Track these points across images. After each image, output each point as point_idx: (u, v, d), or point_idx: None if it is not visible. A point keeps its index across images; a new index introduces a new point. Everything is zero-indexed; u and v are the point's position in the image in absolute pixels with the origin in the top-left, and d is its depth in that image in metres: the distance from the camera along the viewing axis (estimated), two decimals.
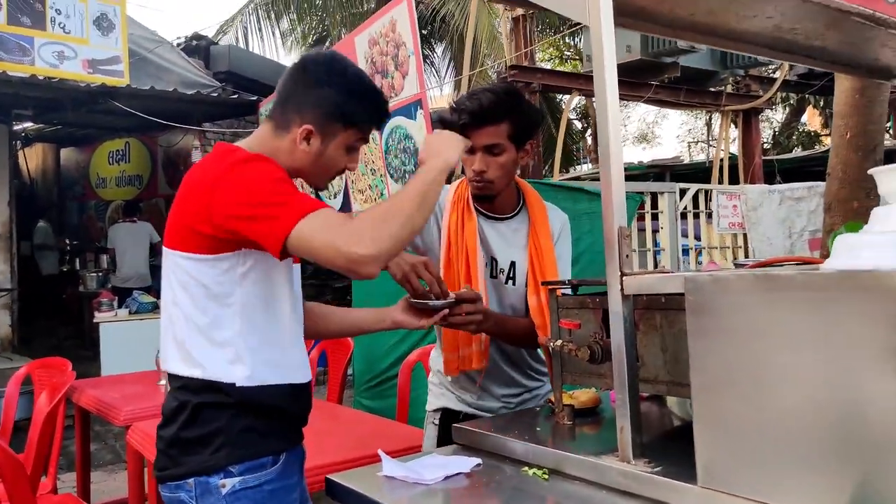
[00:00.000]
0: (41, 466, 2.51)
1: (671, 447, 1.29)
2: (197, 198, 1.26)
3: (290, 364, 1.37)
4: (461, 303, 1.54)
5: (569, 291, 1.49)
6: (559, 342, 1.39)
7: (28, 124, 8.81)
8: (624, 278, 1.13)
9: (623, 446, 1.15)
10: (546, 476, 1.24)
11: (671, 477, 1.06)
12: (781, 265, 1.34)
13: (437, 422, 1.85)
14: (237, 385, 1.29)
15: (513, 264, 1.79)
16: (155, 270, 7.79)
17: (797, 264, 1.31)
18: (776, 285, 0.91)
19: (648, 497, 1.08)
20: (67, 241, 9.57)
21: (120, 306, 6.29)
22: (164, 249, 1.35)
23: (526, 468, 1.28)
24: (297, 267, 1.44)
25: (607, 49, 1.15)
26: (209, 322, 1.29)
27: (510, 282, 1.79)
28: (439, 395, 1.89)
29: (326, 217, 1.18)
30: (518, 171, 1.86)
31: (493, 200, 1.78)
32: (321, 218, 1.17)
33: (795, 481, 0.90)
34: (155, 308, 6.34)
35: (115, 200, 9.32)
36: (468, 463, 1.31)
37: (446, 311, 1.52)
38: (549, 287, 1.49)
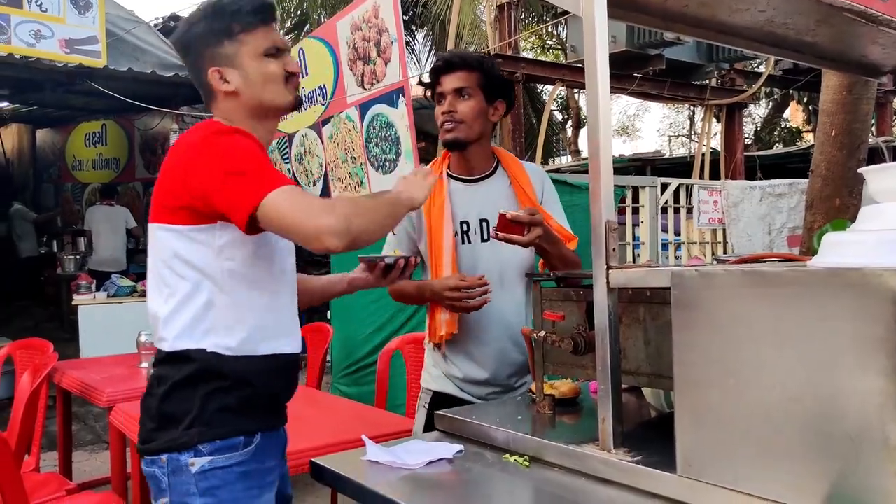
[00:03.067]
0: (24, 445, 2.52)
1: (649, 437, 1.31)
2: (176, 171, 1.28)
3: (268, 335, 1.34)
4: (407, 258, 1.55)
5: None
6: (542, 333, 1.40)
7: (4, 104, 8.62)
8: (610, 272, 1.14)
9: (604, 436, 1.16)
10: (527, 463, 1.25)
11: (651, 466, 1.08)
12: (762, 262, 1.36)
13: (427, 405, 1.88)
14: (207, 350, 1.28)
15: (483, 222, 1.84)
16: (131, 255, 7.70)
17: (779, 261, 1.33)
18: (764, 281, 0.92)
19: (628, 485, 1.09)
20: (58, 220, 9.40)
21: (97, 289, 6.22)
22: (150, 226, 1.34)
23: (507, 455, 1.29)
24: (290, 243, 1.42)
25: (599, 41, 1.15)
26: (186, 293, 1.29)
27: (485, 241, 1.84)
28: (437, 376, 1.92)
29: (298, 190, 1.23)
30: (492, 134, 1.95)
31: (465, 148, 1.84)
32: (292, 190, 1.20)
33: (773, 472, 0.92)
34: (133, 292, 6.27)
35: (92, 183, 9.18)
36: (450, 449, 1.32)
37: (401, 262, 1.53)
38: (534, 279, 1.49)
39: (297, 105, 1.42)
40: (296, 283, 1.45)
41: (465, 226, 1.84)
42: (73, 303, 6.08)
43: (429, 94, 1.89)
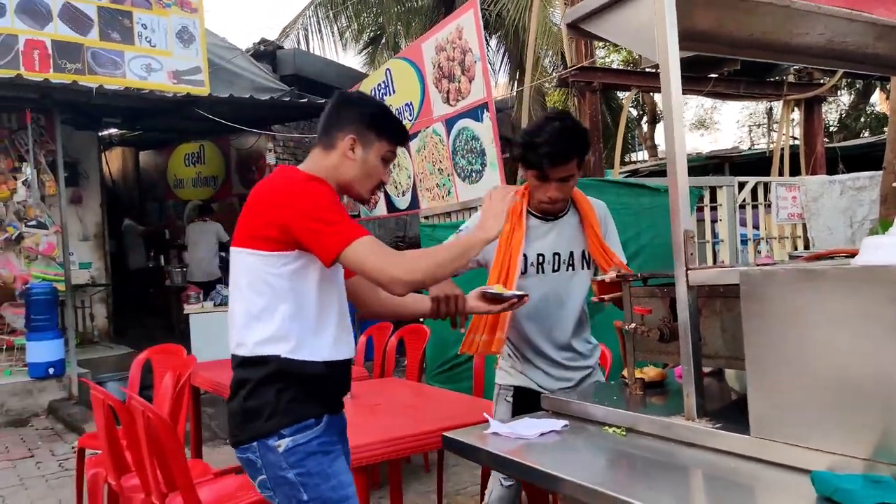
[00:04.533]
0: None
1: (727, 412, 1.53)
2: (268, 208, 1.57)
3: (328, 343, 1.63)
4: (525, 296, 1.87)
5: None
6: (633, 325, 1.66)
7: (113, 130, 9.45)
8: (689, 272, 1.38)
9: (689, 408, 1.41)
10: (623, 433, 1.51)
11: (728, 431, 1.32)
12: (831, 258, 1.56)
13: (510, 399, 2.18)
14: (281, 356, 1.58)
15: (556, 255, 2.15)
16: (225, 267, 8.33)
17: (845, 256, 1.53)
18: (813, 276, 1.15)
19: (710, 447, 1.33)
20: (166, 233, 10.22)
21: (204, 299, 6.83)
22: (233, 248, 1.64)
23: (606, 427, 1.55)
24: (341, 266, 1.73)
25: (674, 84, 1.40)
26: (263, 307, 1.59)
27: (570, 268, 2.15)
28: (514, 374, 2.22)
29: (375, 242, 1.54)
30: None
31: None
32: (371, 242, 1.54)
33: (829, 430, 1.15)
34: None
35: (193, 200, 9.93)
36: (558, 423, 1.59)
37: (515, 300, 1.86)
38: (625, 280, 1.74)
39: (364, 201, 1.79)
40: (346, 302, 1.75)
41: (540, 258, 2.13)
42: (185, 312, 6.67)
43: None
